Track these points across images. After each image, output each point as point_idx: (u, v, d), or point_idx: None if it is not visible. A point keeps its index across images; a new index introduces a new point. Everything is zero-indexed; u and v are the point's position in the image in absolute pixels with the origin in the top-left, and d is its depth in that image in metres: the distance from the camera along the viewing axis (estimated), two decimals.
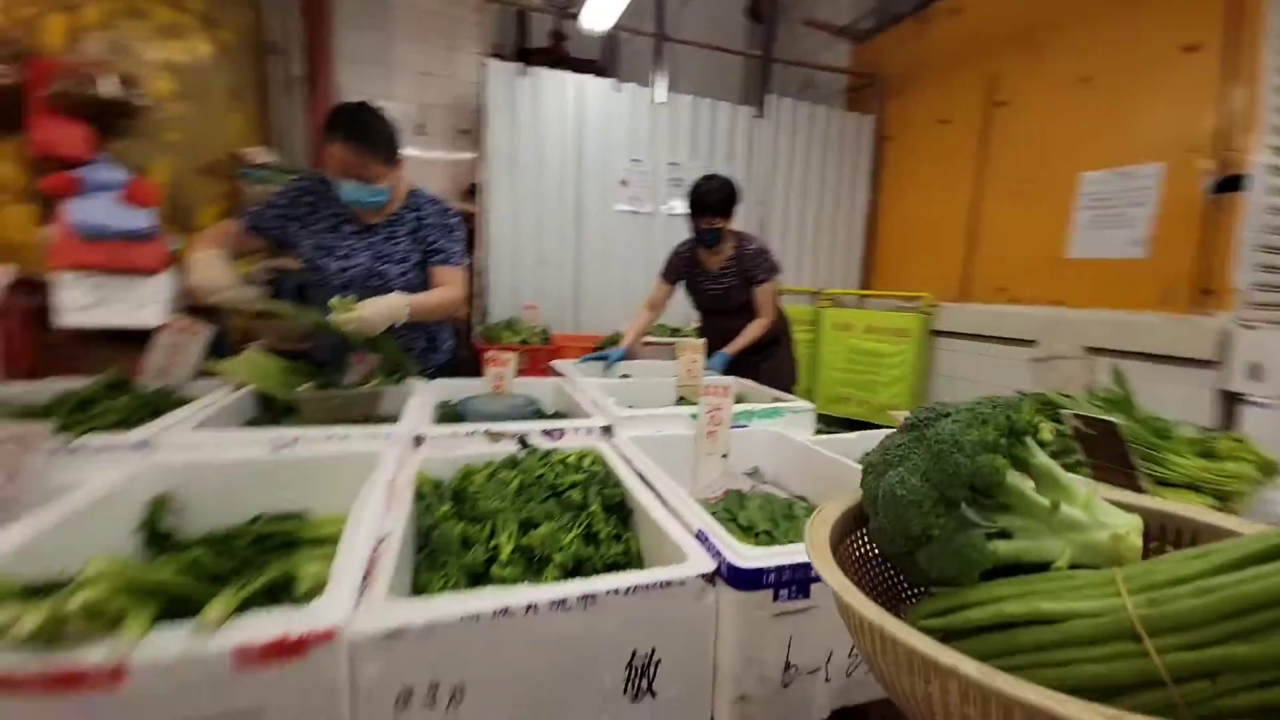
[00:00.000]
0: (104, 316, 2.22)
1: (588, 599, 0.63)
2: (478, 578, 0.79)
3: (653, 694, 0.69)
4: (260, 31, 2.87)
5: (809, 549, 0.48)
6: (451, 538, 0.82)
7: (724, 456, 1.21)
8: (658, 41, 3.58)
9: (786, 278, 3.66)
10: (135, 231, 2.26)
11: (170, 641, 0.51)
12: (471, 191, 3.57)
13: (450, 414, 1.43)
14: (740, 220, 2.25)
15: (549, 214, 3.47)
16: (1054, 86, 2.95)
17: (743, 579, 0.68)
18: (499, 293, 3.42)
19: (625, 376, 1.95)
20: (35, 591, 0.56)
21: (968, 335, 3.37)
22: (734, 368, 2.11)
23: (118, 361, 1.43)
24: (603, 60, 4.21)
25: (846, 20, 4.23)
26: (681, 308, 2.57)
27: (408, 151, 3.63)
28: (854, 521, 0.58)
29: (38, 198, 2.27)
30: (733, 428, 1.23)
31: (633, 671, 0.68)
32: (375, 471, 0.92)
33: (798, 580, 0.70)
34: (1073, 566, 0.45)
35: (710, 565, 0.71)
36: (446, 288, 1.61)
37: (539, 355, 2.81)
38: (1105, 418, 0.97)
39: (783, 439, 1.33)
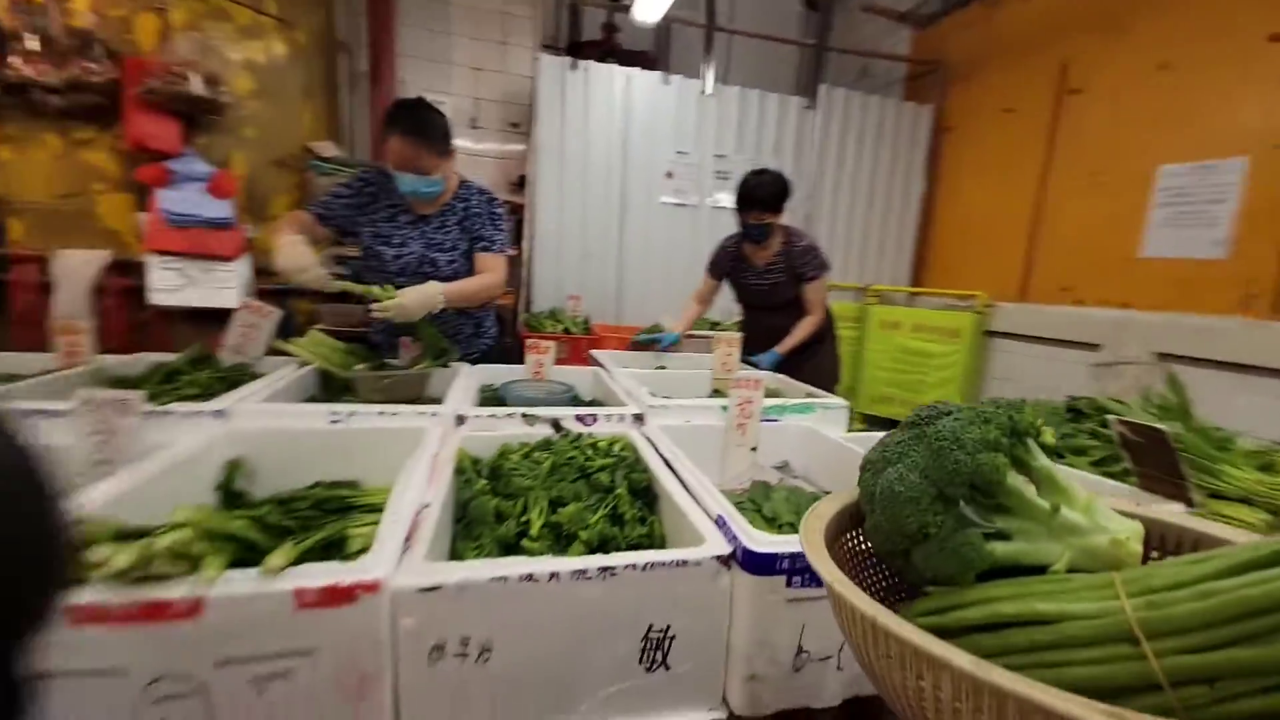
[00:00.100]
0: (188, 297, 2.43)
1: (607, 571, 0.67)
2: (509, 549, 0.84)
3: (666, 666, 0.73)
4: (330, 31, 3.04)
5: (803, 541, 0.49)
6: (487, 511, 0.88)
7: (753, 449, 1.23)
8: (708, 32, 3.55)
9: (832, 273, 3.59)
10: (217, 220, 2.46)
11: (242, 581, 0.59)
12: (520, 184, 3.66)
13: (492, 397, 1.50)
14: (786, 214, 2.21)
15: (594, 206, 3.52)
16: (1131, 73, 2.75)
17: (756, 563, 0.71)
18: (544, 283, 3.50)
19: (661, 368, 1.98)
20: (125, 536, 0.65)
21: (1025, 337, 3.22)
22: (778, 366, 2.10)
23: (200, 339, 1.58)
24: (655, 51, 4.21)
25: (908, 5, 4.06)
26: (723, 301, 2.57)
27: (461, 144, 3.78)
28: (850, 520, 0.58)
29: (133, 187, 2.50)
30: (764, 421, 1.24)
31: (648, 643, 0.71)
32: (420, 446, 0.99)
33: (811, 569, 0.72)
34: (1071, 571, 0.45)
35: (726, 548, 0.73)
36: (486, 274, 1.68)
37: (580, 345, 2.87)
38: (1153, 425, 0.93)
39: (814, 434, 1.33)
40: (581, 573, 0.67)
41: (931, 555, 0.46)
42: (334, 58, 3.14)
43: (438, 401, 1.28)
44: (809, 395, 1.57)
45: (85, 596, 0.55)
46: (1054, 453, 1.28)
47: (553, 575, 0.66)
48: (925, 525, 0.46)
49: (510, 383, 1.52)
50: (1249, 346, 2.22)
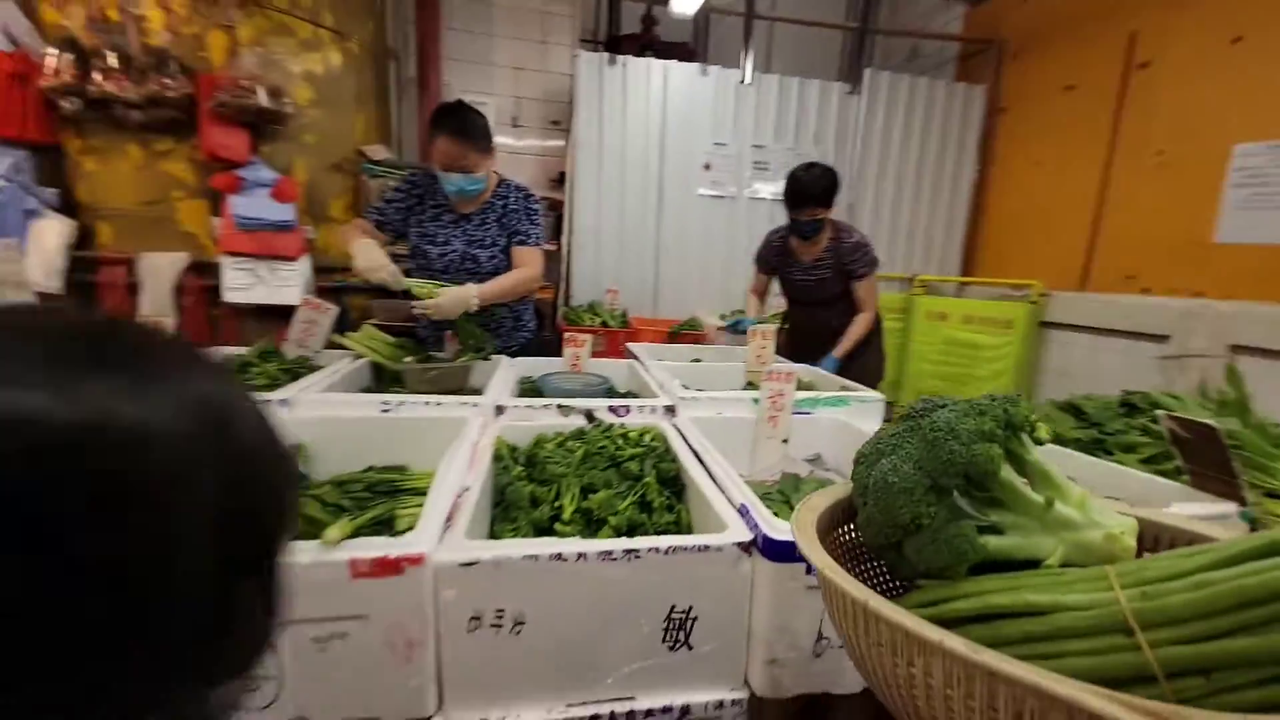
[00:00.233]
0: (257, 295, 2.62)
1: (631, 553, 0.71)
2: (543, 532, 0.90)
3: (689, 647, 0.76)
4: (381, 40, 3.18)
5: (794, 531, 0.50)
6: (522, 496, 0.94)
7: (784, 441, 1.24)
8: (747, 20, 3.51)
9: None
10: (281, 223, 2.63)
11: (304, 550, 0.66)
12: (560, 180, 3.73)
13: (530, 388, 1.56)
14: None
15: (632, 200, 3.55)
16: (1204, 46, 2.55)
17: (777, 550, 0.73)
18: (582, 277, 3.57)
19: (696, 360, 2.00)
20: None
21: (1085, 328, 3.05)
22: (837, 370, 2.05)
23: (266, 333, 1.71)
24: (694, 42, 4.19)
25: None
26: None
27: (503, 142, 3.88)
28: (843, 514, 0.58)
29: (207, 193, 2.70)
30: (796, 414, 1.25)
31: (671, 624, 0.75)
32: (462, 435, 1.06)
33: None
34: (1064, 566, 0.45)
35: (747, 535, 0.76)
36: (521, 269, 1.75)
37: (617, 337, 2.92)
38: (1203, 420, 0.89)
39: (847, 428, 1.33)
40: (607, 554, 0.71)
41: (924, 547, 0.46)
42: (384, 65, 3.28)
43: (479, 392, 1.35)
44: (844, 388, 1.56)
45: None
46: (1103, 450, 1.23)
47: (580, 555, 0.70)
48: (918, 516, 0.46)
49: (548, 375, 1.58)
50: None
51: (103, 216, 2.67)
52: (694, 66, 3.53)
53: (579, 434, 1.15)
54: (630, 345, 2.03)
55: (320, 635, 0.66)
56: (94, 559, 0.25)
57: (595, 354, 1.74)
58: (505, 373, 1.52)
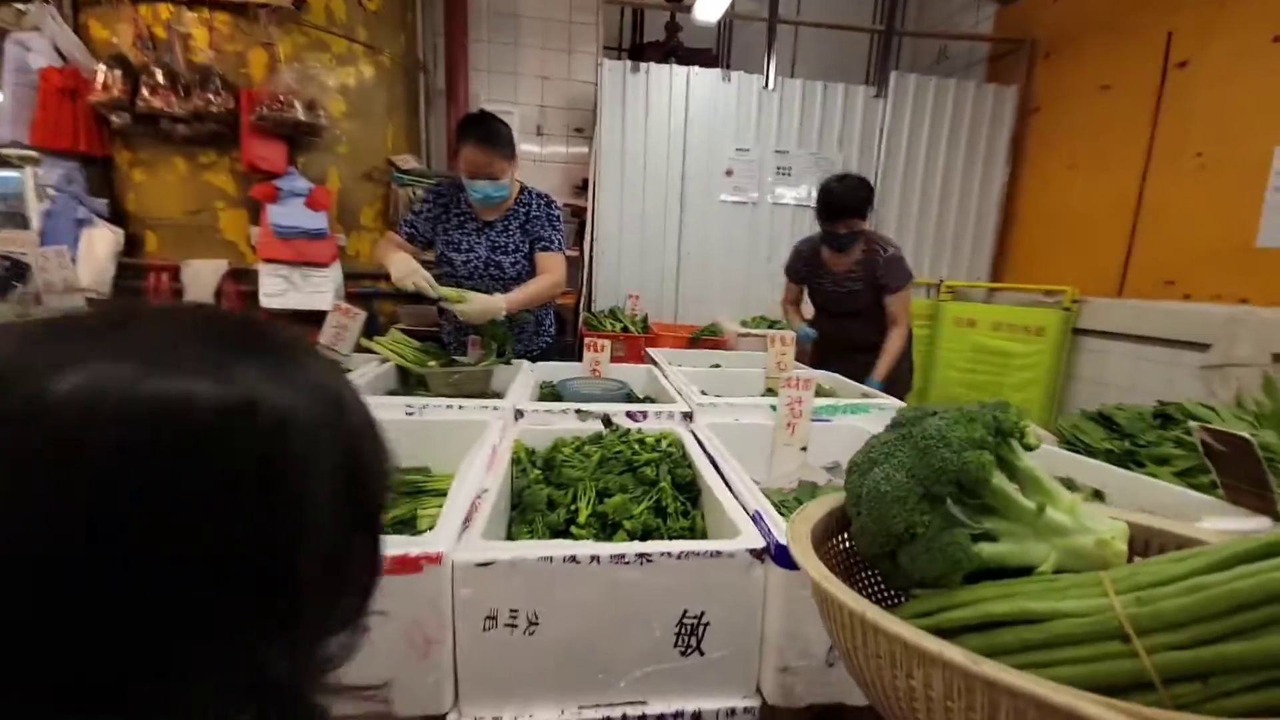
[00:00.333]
0: (291, 300, 2.72)
1: (643, 557, 0.73)
2: (559, 534, 0.91)
3: (701, 652, 0.77)
4: (411, 52, 3.28)
5: (789, 541, 0.50)
6: (539, 499, 0.96)
7: (803, 449, 1.24)
8: (770, 25, 3.51)
9: None
10: (315, 231, 2.73)
11: None
12: (583, 187, 3.78)
13: (550, 393, 1.59)
14: None
15: (653, 207, 3.57)
16: (1244, 45, 2.46)
17: (789, 558, 0.73)
18: (604, 282, 3.60)
19: (715, 366, 2.00)
20: None
21: (1121, 335, 2.95)
22: (851, 379, 2.00)
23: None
24: (717, 48, 4.20)
25: None
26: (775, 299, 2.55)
27: (527, 149, 3.96)
28: (836, 524, 0.58)
29: (247, 203, 2.82)
30: (815, 421, 1.25)
31: (683, 629, 0.76)
32: (482, 438, 1.08)
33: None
34: (1057, 572, 0.44)
35: (760, 542, 0.76)
36: (545, 275, 1.79)
37: (637, 343, 2.94)
38: (1237, 433, 0.86)
39: (866, 435, 1.31)
40: (620, 557, 0.72)
41: (918, 556, 0.46)
42: (414, 76, 3.38)
43: (501, 396, 1.38)
44: (864, 395, 1.55)
45: None
46: (1135, 462, 1.19)
47: (594, 558, 0.72)
48: (912, 525, 0.45)
49: (568, 379, 1.61)
50: None
51: (149, 226, 2.81)
52: (716, 72, 3.54)
53: (597, 438, 1.17)
54: (650, 350, 2.04)
55: None
56: (255, 519, 0.29)
57: (615, 359, 1.76)
58: (525, 377, 1.55)
